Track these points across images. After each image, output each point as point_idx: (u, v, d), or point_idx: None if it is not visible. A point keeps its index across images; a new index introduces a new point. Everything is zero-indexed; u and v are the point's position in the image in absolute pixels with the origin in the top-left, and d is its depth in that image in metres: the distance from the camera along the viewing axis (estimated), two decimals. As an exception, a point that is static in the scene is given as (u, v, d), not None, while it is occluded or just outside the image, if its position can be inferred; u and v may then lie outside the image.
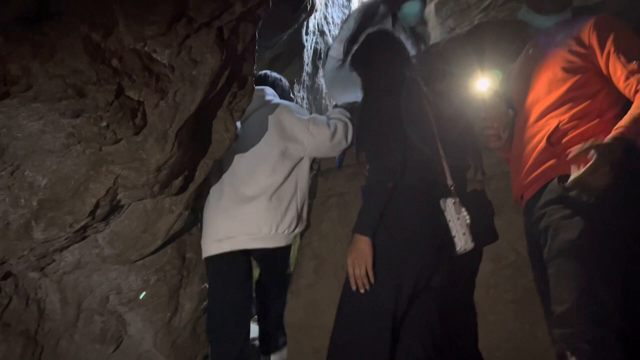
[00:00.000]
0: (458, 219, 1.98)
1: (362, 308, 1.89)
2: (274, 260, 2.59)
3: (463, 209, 2.00)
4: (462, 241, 1.98)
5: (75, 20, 1.43)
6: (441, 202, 1.99)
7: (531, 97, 1.92)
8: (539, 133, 1.83)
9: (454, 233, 1.98)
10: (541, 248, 1.75)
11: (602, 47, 1.75)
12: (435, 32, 4.43)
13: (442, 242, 1.96)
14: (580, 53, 1.81)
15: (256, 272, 2.68)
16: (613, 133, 1.56)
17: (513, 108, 2.06)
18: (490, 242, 2.40)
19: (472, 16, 4.13)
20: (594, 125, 1.72)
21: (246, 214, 2.42)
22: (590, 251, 1.58)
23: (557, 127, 1.76)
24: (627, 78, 1.67)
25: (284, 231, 2.45)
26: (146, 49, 1.63)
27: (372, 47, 2.32)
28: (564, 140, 1.74)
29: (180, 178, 2.17)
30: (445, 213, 1.98)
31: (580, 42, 1.82)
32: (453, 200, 2.00)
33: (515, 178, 1.96)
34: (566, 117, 1.77)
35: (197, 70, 1.80)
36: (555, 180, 1.71)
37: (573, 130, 1.74)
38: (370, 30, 2.69)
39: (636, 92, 1.63)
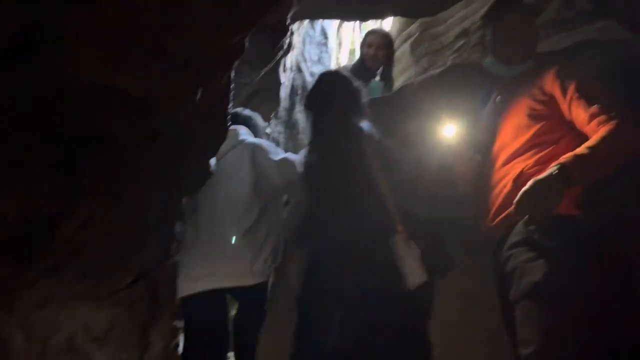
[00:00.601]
0: (407, 254, 2.00)
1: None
2: (250, 298, 2.58)
3: (411, 242, 2.04)
4: (414, 275, 2.01)
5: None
6: (390, 240, 2.05)
7: (498, 143, 2.00)
8: (505, 177, 1.90)
9: (404, 269, 2.01)
10: (508, 289, 1.78)
11: (564, 95, 1.85)
12: (409, 71, 4.56)
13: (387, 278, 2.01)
14: (543, 101, 1.90)
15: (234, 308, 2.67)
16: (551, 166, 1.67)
17: (480, 153, 2.13)
18: (460, 279, 2.43)
19: (446, 56, 4.28)
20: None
21: (221, 252, 2.43)
22: (554, 293, 1.62)
23: (522, 171, 1.83)
24: (589, 121, 1.76)
25: (259, 268, 2.45)
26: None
27: None
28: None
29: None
30: (394, 250, 2.03)
31: (543, 91, 1.91)
32: (401, 237, 2.04)
33: (483, 220, 2.01)
34: (531, 161, 1.84)
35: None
36: (521, 223, 1.76)
37: (537, 174, 1.80)
38: None
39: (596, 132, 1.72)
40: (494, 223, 1.91)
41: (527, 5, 2.27)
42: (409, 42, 4.63)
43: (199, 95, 1.84)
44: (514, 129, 1.94)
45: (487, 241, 1.99)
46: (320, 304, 2.04)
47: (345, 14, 3.58)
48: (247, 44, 2.07)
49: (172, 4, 1.49)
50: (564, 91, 1.85)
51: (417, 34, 4.53)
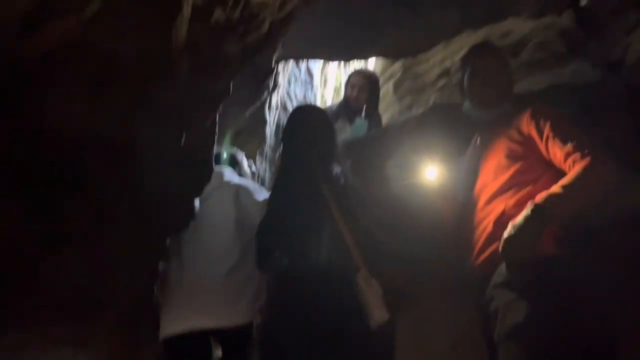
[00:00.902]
0: (368, 292, 2.03)
1: None
2: (234, 339, 2.55)
3: (373, 281, 2.06)
4: (375, 314, 2.02)
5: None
6: (352, 279, 2.06)
7: (479, 184, 2.05)
8: (487, 217, 1.95)
9: (366, 308, 2.02)
10: (493, 329, 1.80)
11: (540, 135, 1.92)
12: (392, 109, 4.65)
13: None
14: (520, 141, 1.97)
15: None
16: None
17: (462, 194, 2.17)
18: (445, 318, 2.44)
19: (428, 95, 4.37)
20: None
21: (204, 292, 2.41)
22: (534, 335, 1.63)
23: (503, 211, 1.88)
24: (565, 160, 1.82)
25: (242, 309, 2.44)
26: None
27: None
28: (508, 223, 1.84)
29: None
30: (356, 288, 2.04)
31: (520, 132, 1.98)
32: (362, 275, 2.06)
33: (466, 259, 2.04)
34: (512, 201, 1.89)
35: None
36: (503, 265, 1.79)
37: (518, 214, 1.84)
38: None
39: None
40: (477, 263, 1.94)
41: (501, 49, 2.36)
42: (392, 80, 4.72)
43: (183, 139, 1.86)
44: (494, 170, 2.00)
45: (471, 280, 2.01)
46: (286, 340, 2.04)
47: (330, 55, 3.69)
48: (232, 87, 2.13)
49: (151, 60, 1.53)
50: (540, 131, 1.92)
51: (399, 73, 4.63)
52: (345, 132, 3.42)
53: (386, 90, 4.82)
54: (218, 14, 1.58)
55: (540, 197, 1.72)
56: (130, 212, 1.87)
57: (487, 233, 1.92)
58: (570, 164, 1.79)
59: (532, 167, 1.92)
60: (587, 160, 1.74)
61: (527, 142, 1.95)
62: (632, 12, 3.60)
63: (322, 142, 2.35)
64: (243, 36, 1.71)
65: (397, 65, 4.71)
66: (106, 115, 1.60)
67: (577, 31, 3.77)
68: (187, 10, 1.47)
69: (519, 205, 1.85)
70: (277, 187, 2.32)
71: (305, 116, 2.46)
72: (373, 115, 3.65)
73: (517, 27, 3.77)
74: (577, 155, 1.78)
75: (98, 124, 1.57)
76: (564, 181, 1.73)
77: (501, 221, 1.86)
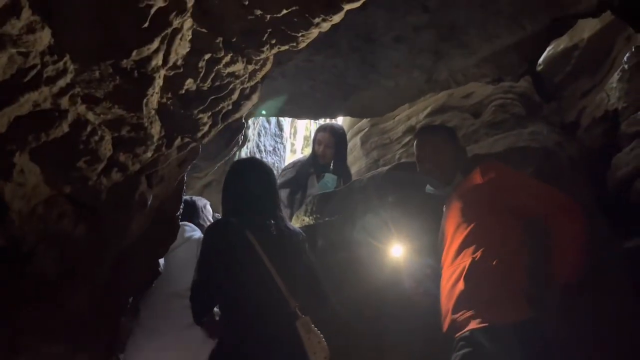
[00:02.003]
0: (308, 340, 2.04)
1: None
2: None
3: (312, 328, 2.07)
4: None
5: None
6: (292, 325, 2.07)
7: (447, 244, 2.16)
8: (455, 271, 2.04)
9: (307, 354, 2.03)
10: None
11: (488, 192, 2.06)
12: (360, 163, 4.75)
13: None
14: (473, 201, 2.12)
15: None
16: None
17: (437, 260, 2.25)
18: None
19: (394, 150, 4.50)
20: (503, 261, 1.95)
21: (167, 347, 2.38)
22: None
23: (471, 262, 1.96)
24: (519, 213, 2.02)
25: None
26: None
27: None
28: (478, 281, 1.91)
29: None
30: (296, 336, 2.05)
31: (473, 189, 2.13)
32: (301, 322, 2.07)
33: (443, 315, 2.08)
34: (477, 255, 1.99)
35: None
36: (470, 332, 1.84)
37: (484, 266, 1.93)
38: None
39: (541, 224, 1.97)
40: (449, 321, 1.99)
41: (439, 128, 2.62)
42: (359, 135, 4.85)
43: (149, 202, 1.88)
44: (455, 229, 2.11)
45: (449, 339, 2.06)
46: None
47: (298, 114, 3.77)
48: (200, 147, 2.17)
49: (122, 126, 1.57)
50: (490, 185, 2.06)
51: (367, 129, 4.77)
52: (313, 187, 3.48)
53: (354, 144, 4.94)
54: (189, 84, 1.63)
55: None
56: (98, 271, 1.85)
57: (458, 292, 1.98)
58: (529, 217, 1.98)
59: (488, 220, 2.04)
60: (555, 217, 1.98)
61: (479, 197, 2.08)
62: (585, 78, 3.84)
63: (256, 192, 2.31)
64: (213, 104, 1.75)
65: (365, 121, 4.85)
66: (76, 178, 1.62)
67: (534, 95, 3.98)
68: (158, 81, 1.52)
69: (485, 257, 1.94)
70: (206, 240, 2.26)
71: (242, 168, 2.45)
72: (341, 170, 3.72)
73: (478, 89, 3.97)
74: (536, 210, 1.99)
75: (65, 187, 1.58)
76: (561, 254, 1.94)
77: (470, 274, 1.94)
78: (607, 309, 2.70)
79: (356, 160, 4.84)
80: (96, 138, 1.56)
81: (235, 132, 3.10)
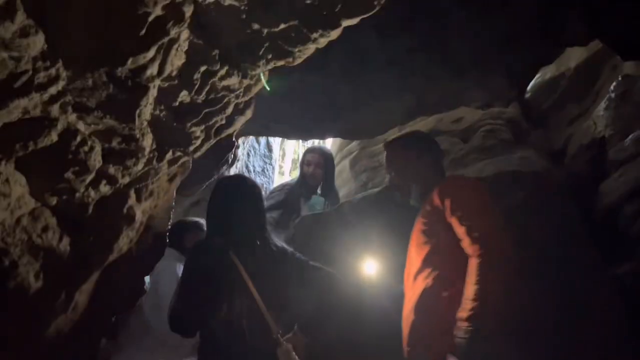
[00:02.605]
0: None
1: None
2: None
3: (293, 356, 2.02)
4: None
5: None
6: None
7: (407, 264, 2.09)
8: (412, 298, 1.96)
9: None
10: None
11: (445, 209, 1.94)
12: (349, 185, 4.74)
13: None
14: (432, 217, 2.00)
15: None
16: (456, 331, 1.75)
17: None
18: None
19: (383, 174, 4.49)
20: (455, 289, 1.84)
21: None
22: None
23: (423, 291, 1.90)
24: (461, 240, 1.86)
25: None
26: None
27: None
28: (428, 312, 1.87)
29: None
30: None
31: (432, 207, 2.01)
32: (282, 349, 2.02)
33: (403, 342, 2.02)
34: (429, 280, 1.91)
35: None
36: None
37: (434, 296, 1.87)
38: None
39: (469, 256, 1.82)
40: (407, 353, 1.94)
41: (403, 145, 2.34)
42: (349, 158, 4.85)
43: (137, 217, 1.83)
44: (415, 248, 2.04)
45: None
46: None
47: (288, 134, 3.77)
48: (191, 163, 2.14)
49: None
50: (445, 206, 1.94)
51: (356, 152, 4.77)
52: (302, 209, 3.45)
53: (343, 166, 4.94)
54: (183, 97, 1.61)
55: (461, 322, 1.73)
56: (82, 287, 1.79)
57: (410, 323, 1.93)
58: (465, 246, 1.84)
59: (442, 244, 1.94)
60: (476, 252, 1.78)
61: (437, 217, 1.96)
62: (572, 106, 3.90)
63: (241, 210, 2.23)
64: (207, 117, 1.73)
65: (354, 144, 4.86)
66: (63, 190, 1.57)
67: (522, 122, 4.03)
68: (152, 92, 1.49)
69: (437, 285, 1.88)
70: (187, 262, 2.18)
71: (227, 184, 2.37)
72: (330, 191, 3.71)
73: (467, 114, 4.00)
74: (467, 240, 1.82)
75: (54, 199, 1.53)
76: (469, 292, 1.75)
77: (421, 309, 1.89)
78: (596, 336, 2.70)
79: (345, 183, 4.83)
80: (86, 149, 1.52)
81: (225, 150, 3.07)
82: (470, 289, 1.74)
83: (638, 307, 2.73)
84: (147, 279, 2.30)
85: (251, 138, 4.41)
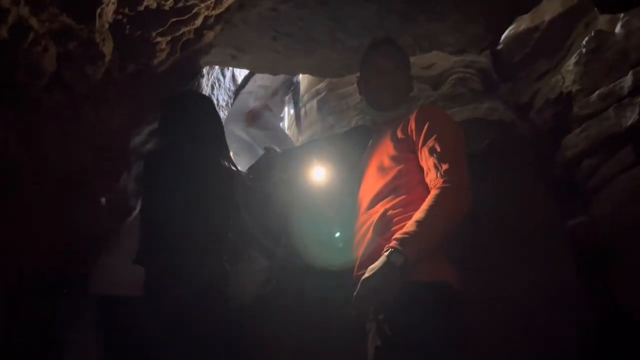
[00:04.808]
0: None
1: None
2: None
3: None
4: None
5: None
6: None
7: (363, 186, 1.95)
8: (367, 221, 1.84)
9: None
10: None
11: (418, 138, 1.80)
12: (315, 126, 4.68)
13: None
14: (403, 143, 1.85)
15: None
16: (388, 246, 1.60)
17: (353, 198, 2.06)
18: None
19: (351, 117, 4.44)
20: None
21: None
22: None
23: (383, 213, 1.77)
24: (427, 174, 1.74)
25: None
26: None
27: None
28: (392, 229, 1.72)
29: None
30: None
31: (404, 132, 1.86)
32: None
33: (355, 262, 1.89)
34: (390, 204, 1.78)
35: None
36: None
37: (398, 218, 1.74)
38: None
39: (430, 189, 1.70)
40: (359, 274, 1.74)
41: (402, 49, 2.17)
42: (316, 99, 4.76)
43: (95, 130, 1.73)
44: (377, 171, 1.90)
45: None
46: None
47: (257, 67, 3.63)
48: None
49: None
50: (418, 135, 1.80)
51: (324, 93, 4.68)
52: None
53: (310, 107, 4.85)
54: (149, 1, 1.48)
55: (396, 238, 1.59)
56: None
57: (366, 243, 1.80)
58: (429, 181, 1.71)
59: (412, 170, 1.81)
60: (440, 185, 1.65)
61: (408, 144, 1.84)
62: (542, 61, 3.90)
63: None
64: (174, 27, 1.61)
65: (323, 85, 4.76)
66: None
67: (492, 73, 4.02)
68: (115, -9, 1.36)
69: (401, 208, 1.75)
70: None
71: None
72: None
73: (440, 60, 3.96)
74: (433, 174, 1.69)
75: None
76: (418, 215, 1.62)
77: (380, 226, 1.76)
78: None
79: (311, 124, 4.76)
80: (39, 49, 1.39)
81: (189, 76, 2.92)
82: (417, 214, 1.63)
83: (590, 259, 2.83)
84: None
85: (216, 70, 4.23)
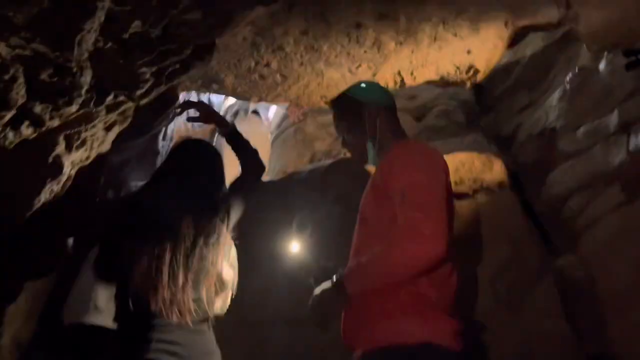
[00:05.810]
0: None
1: None
2: None
3: None
4: None
5: None
6: None
7: (354, 239, 1.79)
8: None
9: None
10: None
11: (386, 186, 1.65)
12: (290, 155, 4.55)
13: None
14: (378, 190, 1.70)
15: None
16: None
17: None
18: None
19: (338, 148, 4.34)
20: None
21: None
22: None
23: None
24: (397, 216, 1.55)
25: None
26: None
27: None
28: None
29: None
30: None
31: (380, 178, 1.72)
32: None
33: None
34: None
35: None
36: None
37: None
38: None
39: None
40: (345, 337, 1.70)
41: (348, 98, 1.93)
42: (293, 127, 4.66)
43: (65, 168, 1.54)
44: (359, 222, 1.77)
45: None
46: None
47: (234, 94, 3.47)
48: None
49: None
50: (390, 181, 1.63)
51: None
52: None
53: (287, 135, 4.74)
54: (135, 28, 1.32)
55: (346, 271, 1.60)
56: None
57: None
58: (399, 224, 1.51)
59: (382, 221, 1.63)
60: (397, 235, 1.49)
61: (379, 189, 1.68)
62: (523, 94, 3.90)
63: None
64: (161, 57, 1.45)
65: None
66: None
67: (474, 105, 4.00)
68: (100, 15, 1.20)
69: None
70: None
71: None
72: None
73: (423, 92, 3.91)
74: (402, 218, 1.50)
75: None
76: (367, 256, 1.54)
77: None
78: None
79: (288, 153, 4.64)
80: (6, 77, 1.22)
81: (167, 104, 2.74)
82: (376, 249, 1.53)
83: (575, 297, 2.77)
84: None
85: (193, 96, 4.06)
